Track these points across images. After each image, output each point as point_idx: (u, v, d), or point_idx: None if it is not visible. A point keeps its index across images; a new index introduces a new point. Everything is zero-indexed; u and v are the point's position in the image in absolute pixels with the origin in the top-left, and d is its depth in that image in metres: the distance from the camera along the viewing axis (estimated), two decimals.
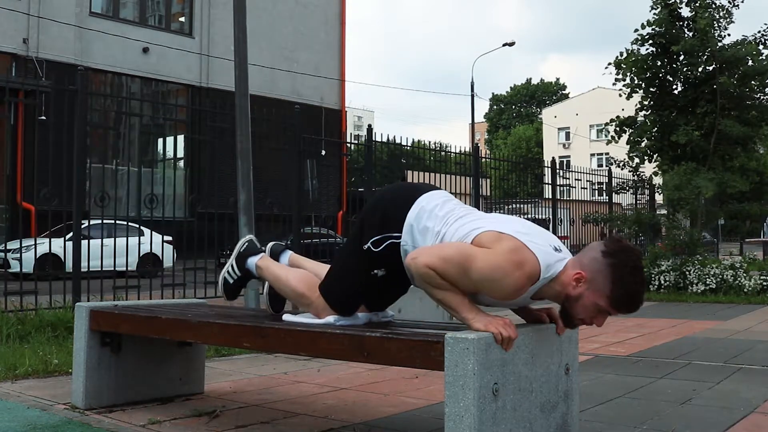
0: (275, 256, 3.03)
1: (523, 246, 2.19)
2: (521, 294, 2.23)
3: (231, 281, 2.98)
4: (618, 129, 12.27)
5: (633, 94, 11.85)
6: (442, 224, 2.38)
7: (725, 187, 11.16)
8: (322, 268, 2.88)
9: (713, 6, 11.30)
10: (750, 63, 11.20)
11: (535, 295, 2.28)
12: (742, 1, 11.45)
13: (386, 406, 3.35)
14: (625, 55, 11.66)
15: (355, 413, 3.21)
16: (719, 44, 11.21)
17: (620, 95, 12.01)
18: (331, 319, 2.59)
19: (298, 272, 2.84)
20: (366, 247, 2.48)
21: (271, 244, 3.09)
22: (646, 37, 11.48)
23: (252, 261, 2.94)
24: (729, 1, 11.41)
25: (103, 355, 3.29)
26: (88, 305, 3.36)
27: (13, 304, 5.76)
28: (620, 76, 11.77)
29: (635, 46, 11.56)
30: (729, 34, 12.86)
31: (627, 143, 12.28)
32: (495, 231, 2.25)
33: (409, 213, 2.43)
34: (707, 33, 10.88)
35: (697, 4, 11.26)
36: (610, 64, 11.85)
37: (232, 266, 2.98)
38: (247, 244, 3.00)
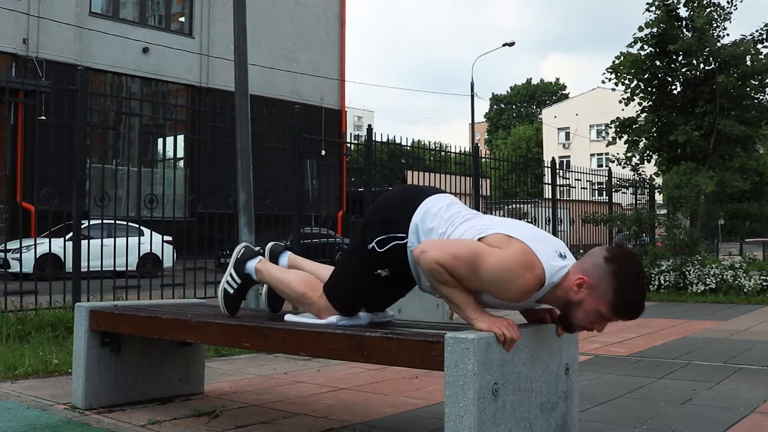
0: (274, 257, 3.02)
1: (530, 249, 2.20)
2: (527, 297, 2.22)
3: (232, 291, 2.93)
4: (618, 130, 12.28)
5: (633, 98, 11.85)
6: (447, 225, 2.39)
7: (725, 186, 11.16)
8: (321, 269, 2.88)
9: (712, 5, 11.30)
10: (749, 62, 11.20)
11: (539, 300, 2.29)
12: (741, 1, 11.46)
13: (386, 406, 3.35)
14: (621, 58, 11.65)
15: (355, 413, 3.21)
16: (718, 44, 11.21)
17: (620, 101, 12.01)
18: (333, 319, 2.59)
19: (298, 273, 2.84)
20: (370, 246, 2.48)
21: (270, 244, 3.07)
22: (645, 39, 11.48)
23: (251, 265, 2.92)
24: (728, 1, 11.42)
25: (103, 355, 3.29)
26: (88, 305, 3.36)
27: (13, 304, 5.76)
28: (618, 80, 11.77)
29: (631, 49, 11.57)
30: (728, 34, 12.87)
31: (625, 143, 12.29)
32: (504, 234, 2.25)
33: (414, 214, 2.44)
34: (705, 32, 10.88)
35: (695, 4, 11.26)
36: (607, 70, 11.85)
37: (231, 274, 2.94)
38: (243, 249, 2.98)
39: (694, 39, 10.90)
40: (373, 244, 2.47)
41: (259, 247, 3.07)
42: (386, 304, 2.72)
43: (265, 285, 3.00)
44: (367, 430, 2.92)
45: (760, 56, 11.20)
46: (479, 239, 2.26)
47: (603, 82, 11.99)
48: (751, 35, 11.51)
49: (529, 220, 14.53)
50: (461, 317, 2.27)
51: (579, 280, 2.19)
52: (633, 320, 2.28)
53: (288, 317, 2.76)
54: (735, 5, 11.39)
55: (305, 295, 2.70)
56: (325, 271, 2.84)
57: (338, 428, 2.94)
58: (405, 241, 2.43)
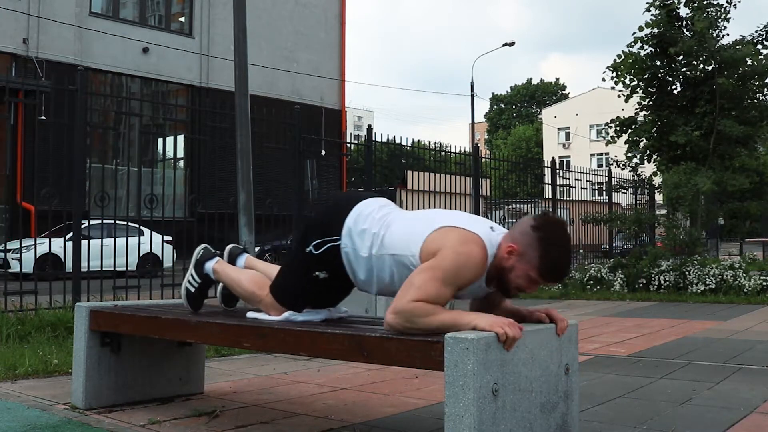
0: (233, 258, 3.22)
1: (464, 230, 2.38)
2: (483, 271, 2.37)
3: (193, 289, 3.14)
4: (618, 129, 12.28)
5: (633, 95, 11.86)
6: (379, 227, 2.56)
7: (725, 186, 11.16)
8: (272, 269, 3.06)
9: (711, 5, 11.30)
10: (749, 63, 11.20)
11: (487, 278, 2.42)
12: (740, 1, 11.45)
13: (386, 406, 3.35)
14: (622, 57, 11.65)
15: (355, 413, 3.21)
16: (717, 44, 11.21)
17: (619, 96, 12.01)
18: (286, 314, 2.74)
19: (250, 273, 3.04)
20: (308, 250, 2.67)
21: (229, 247, 3.28)
22: (645, 38, 11.48)
23: (209, 265, 3.12)
24: (727, 1, 11.42)
25: (103, 355, 3.29)
26: (88, 305, 3.36)
27: (13, 304, 5.76)
28: (618, 79, 11.78)
29: (632, 49, 11.57)
30: (728, 34, 12.88)
31: (625, 143, 12.29)
32: (435, 229, 2.40)
33: (347, 217, 2.62)
34: (705, 35, 10.89)
35: (695, 5, 11.26)
36: (607, 68, 11.85)
37: (191, 274, 3.15)
38: (202, 251, 3.18)
39: (694, 41, 10.90)
40: (310, 247, 2.66)
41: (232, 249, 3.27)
42: (333, 302, 2.85)
43: (220, 284, 3.19)
44: (367, 430, 2.92)
45: (759, 57, 11.21)
46: (420, 245, 2.39)
47: (603, 80, 12.00)
48: (750, 36, 11.51)
49: None
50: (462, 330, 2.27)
51: (509, 247, 2.36)
52: (558, 282, 2.40)
53: (249, 314, 2.87)
54: (734, 4, 11.40)
55: (254, 294, 2.89)
56: (276, 271, 3.00)
57: (338, 428, 2.94)
58: (339, 242, 2.61)
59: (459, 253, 2.31)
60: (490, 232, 2.42)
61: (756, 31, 11.53)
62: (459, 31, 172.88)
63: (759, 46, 11.37)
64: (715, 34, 11.25)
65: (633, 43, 11.54)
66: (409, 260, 2.43)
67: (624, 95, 11.86)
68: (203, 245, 3.22)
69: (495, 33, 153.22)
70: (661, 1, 11.34)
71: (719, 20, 11.27)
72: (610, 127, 12.47)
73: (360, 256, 2.56)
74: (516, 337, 2.14)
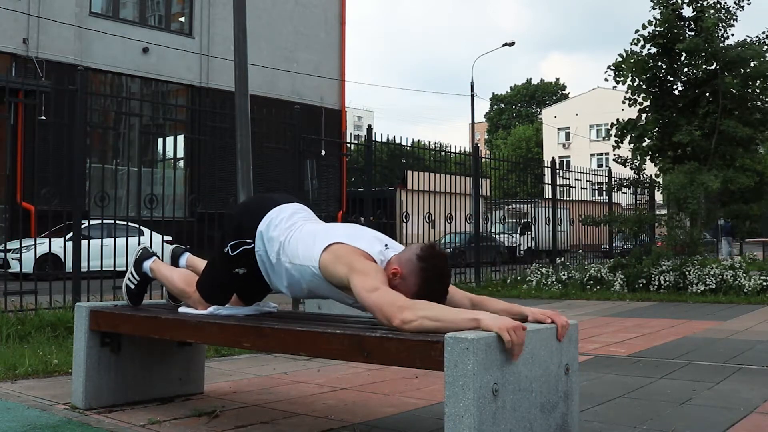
0: (175, 258, 3.40)
1: (351, 246, 2.55)
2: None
3: (133, 286, 3.31)
4: (619, 133, 12.28)
5: (635, 97, 11.85)
6: (285, 235, 2.72)
7: (728, 185, 11.16)
8: None
9: (719, 4, 11.30)
10: (752, 64, 11.20)
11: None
12: (749, 3, 11.44)
13: (386, 406, 3.35)
14: (624, 56, 11.65)
15: (355, 413, 3.21)
16: (722, 43, 11.21)
17: (623, 101, 12.02)
18: (212, 308, 2.92)
19: (181, 272, 3.24)
20: (225, 249, 2.85)
21: (171, 247, 3.48)
22: (648, 37, 11.48)
23: (146, 265, 3.30)
24: (735, 2, 11.41)
25: (103, 355, 3.29)
26: (88, 305, 3.36)
27: (13, 304, 5.76)
28: (620, 78, 11.78)
29: (635, 47, 11.57)
30: (732, 34, 12.89)
31: (630, 143, 12.29)
32: (328, 245, 2.57)
33: (260, 223, 2.79)
34: (713, 33, 10.88)
35: (703, 3, 11.26)
36: (609, 67, 11.85)
37: (131, 272, 3.32)
38: (141, 251, 3.36)
39: (701, 39, 10.89)
40: (228, 247, 2.84)
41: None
42: (257, 297, 3.03)
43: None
44: (367, 430, 2.92)
45: (764, 59, 11.20)
46: (319, 255, 2.56)
47: (606, 80, 12.01)
48: (756, 37, 11.51)
49: (529, 220, 14.55)
50: (462, 329, 2.25)
51: (394, 269, 2.49)
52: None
53: (181, 309, 3.04)
54: (742, 6, 11.38)
55: (184, 291, 3.09)
56: None
57: (338, 428, 2.94)
58: (252, 245, 2.79)
59: (361, 260, 2.47)
60: (383, 249, 2.58)
61: (763, 33, 11.50)
62: (459, 31, 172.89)
63: (765, 48, 11.37)
64: (721, 34, 11.25)
65: (637, 41, 11.53)
66: (311, 270, 2.59)
67: (628, 100, 11.86)
68: (142, 245, 3.46)
69: (495, 33, 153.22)
70: (664, 1, 11.34)
71: (727, 20, 11.26)
72: (611, 134, 12.48)
73: (270, 261, 2.74)
74: (522, 342, 2.12)
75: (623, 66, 11.64)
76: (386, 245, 2.63)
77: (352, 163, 26.43)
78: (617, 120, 12.50)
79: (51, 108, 6.52)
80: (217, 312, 2.90)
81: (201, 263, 3.28)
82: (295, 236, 2.70)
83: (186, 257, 3.39)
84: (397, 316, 2.26)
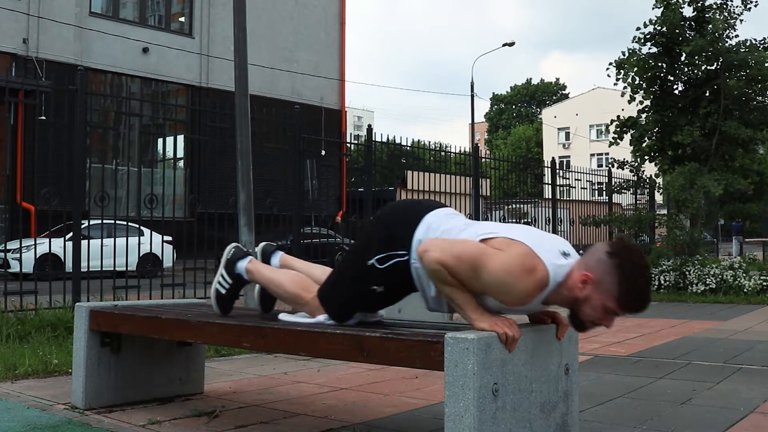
0: (266, 257, 3.04)
1: (532, 252, 2.19)
2: (530, 301, 2.22)
3: (224, 291, 2.97)
4: (618, 130, 12.28)
5: (635, 96, 11.86)
6: (445, 237, 2.39)
7: (728, 187, 11.16)
8: (314, 269, 2.90)
9: (724, 6, 11.30)
10: (752, 64, 11.20)
11: (545, 300, 2.28)
12: (756, 5, 11.42)
13: (386, 406, 3.35)
14: (627, 54, 11.66)
15: (355, 413, 3.21)
16: (725, 44, 11.21)
17: (622, 95, 12.02)
18: (321, 318, 2.60)
19: (290, 274, 2.85)
20: (370, 263, 2.47)
21: (262, 245, 3.10)
22: (648, 36, 11.48)
23: (241, 265, 2.94)
24: (742, 3, 11.40)
25: (103, 355, 3.29)
26: (88, 305, 3.36)
27: (13, 304, 5.76)
28: (621, 77, 11.79)
29: (636, 45, 11.58)
30: (737, 35, 12.90)
31: (630, 143, 12.29)
32: (506, 237, 2.25)
33: (416, 231, 2.43)
34: (719, 36, 10.88)
35: (703, 4, 11.25)
36: (611, 64, 11.86)
37: (222, 275, 2.98)
38: (233, 249, 3.00)
39: (704, 40, 10.89)
40: (374, 261, 2.47)
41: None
42: (379, 309, 2.72)
43: (257, 285, 3.00)
44: (367, 430, 2.92)
45: (764, 59, 11.20)
46: (481, 241, 2.26)
47: (608, 75, 12.06)
48: (762, 41, 11.50)
49: (529, 220, 14.54)
50: (462, 317, 2.28)
51: (583, 276, 2.18)
52: (640, 313, 2.25)
53: (282, 316, 2.76)
54: (749, 7, 11.37)
55: (299, 296, 2.73)
56: (318, 270, 2.86)
57: (338, 428, 2.94)
58: (406, 258, 2.42)
59: (510, 273, 2.15)
60: (561, 257, 2.24)
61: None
62: (459, 31, 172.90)
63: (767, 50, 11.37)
64: (725, 35, 11.25)
65: (638, 39, 11.53)
66: None
67: (628, 95, 11.86)
68: (234, 243, 3.05)
69: (495, 33, 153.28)
70: (666, 0, 11.34)
71: (731, 20, 11.26)
72: (610, 130, 12.48)
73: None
74: (516, 337, 2.14)
75: (625, 65, 11.65)
76: (565, 252, 2.27)
77: (352, 163, 26.43)
78: (617, 117, 12.50)
79: (51, 108, 6.53)
80: (328, 321, 2.59)
81: (299, 263, 3.00)
82: (462, 236, 2.35)
83: (279, 256, 3.04)
84: (429, 249, 2.20)
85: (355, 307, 2.60)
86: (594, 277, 2.17)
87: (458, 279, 2.20)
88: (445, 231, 2.40)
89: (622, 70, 11.73)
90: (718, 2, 11.29)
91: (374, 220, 2.65)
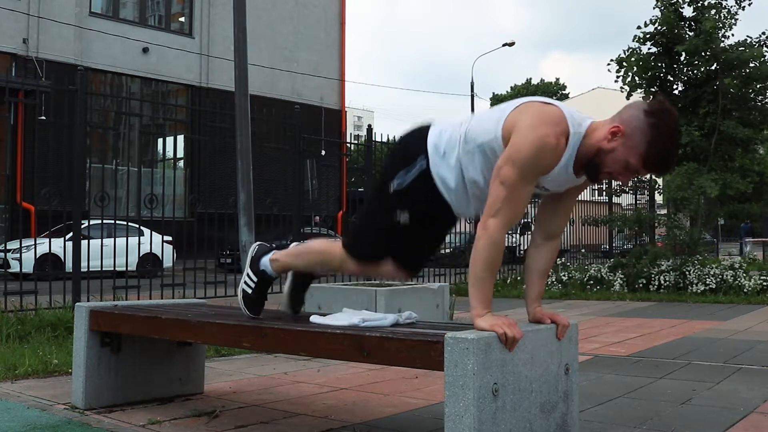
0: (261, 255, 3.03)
1: (544, 105, 2.24)
2: (562, 153, 2.22)
3: (250, 291, 2.87)
4: None
5: (633, 93, 11.88)
6: (459, 127, 2.41)
7: (726, 189, 11.17)
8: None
9: (719, 5, 11.31)
10: (752, 64, 11.22)
11: (576, 163, 2.26)
12: (750, 4, 11.43)
13: (386, 406, 3.35)
14: (628, 52, 11.69)
15: (355, 413, 3.21)
16: (722, 44, 11.23)
17: (621, 90, 12.04)
18: (356, 320, 2.51)
19: (307, 243, 2.86)
20: (393, 189, 2.46)
21: (256, 244, 3.06)
22: (648, 35, 11.50)
23: (265, 259, 2.88)
24: (736, 2, 11.42)
25: (103, 355, 3.29)
26: (88, 305, 3.36)
27: (13, 304, 5.76)
28: (622, 74, 11.81)
29: (637, 44, 11.61)
30: (733, 35, 12.91)
31: None
32: (516, 106, 2.28)
33: (429, 135, 2.45)
34: (712, 34, 10.90)
35: (703, 3, 11.27)
36: (612, 60, 11.88)
37: (247, 274, 2.89)
38: (257, 247, 2.93)
39: (701, 40, 10.91)
40: (394, 184, 2.45)
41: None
42: (421, 259, 2.67)
43: (287, 284, 2.96)
44: (367, 430, 2.92)
45: (763, 59, 11.21)
46: (502, 124, 2.26)
47: (609, 71, 12.09)
48: (757, 38, 11.52)
49: (529, 220, 14.53)
50: (470, 307, 2.26)
51: (614, 128, 2.19)
52: (660, 174, 2.26)
53: (314, 318, 2.69)
54: (743, 6, 11.39)
55: (325, 251, 2.71)
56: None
57: (338, 428, 2.94)
58: (425, 163, 2.42)
59: (534, 138, 2.16)
60: (574, 111, 2.26)
61: (763, 34, 11.49)
62: (459, 31, 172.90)
63: (764, 49, 11.37)
64: (721, 34, 11.26)
65: (638, 38, 11.55)
66: (491, 146, 2.28)
67: (626, 91, 11.88)
68: (258, 242, 2.98)
69: (495, 33, 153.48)
70: (666, 0, 11.36)
71: (726, 20, 11.27)
72: None
73: (450, 167, 2.38)
74: (517, 337, 2.14)
75: (625, 63, 11.67)
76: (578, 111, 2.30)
77: (352, 163, 26.44)
78: None
79: (51, 108, 6.53)
80: (362, 324, 2.47)
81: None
82: (472, 122, 2.37)
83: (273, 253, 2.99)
84: (489, 218, 2.18)
85: (381, 246, 2.55)
86: (625, 131, 2.18)
87: (527, 179, 2.19)
88: (456, 124, 2.42)
89: (622, 68, 11.75)
90: (713, 1, 11.31)
91: (389, 152, 2.66)
